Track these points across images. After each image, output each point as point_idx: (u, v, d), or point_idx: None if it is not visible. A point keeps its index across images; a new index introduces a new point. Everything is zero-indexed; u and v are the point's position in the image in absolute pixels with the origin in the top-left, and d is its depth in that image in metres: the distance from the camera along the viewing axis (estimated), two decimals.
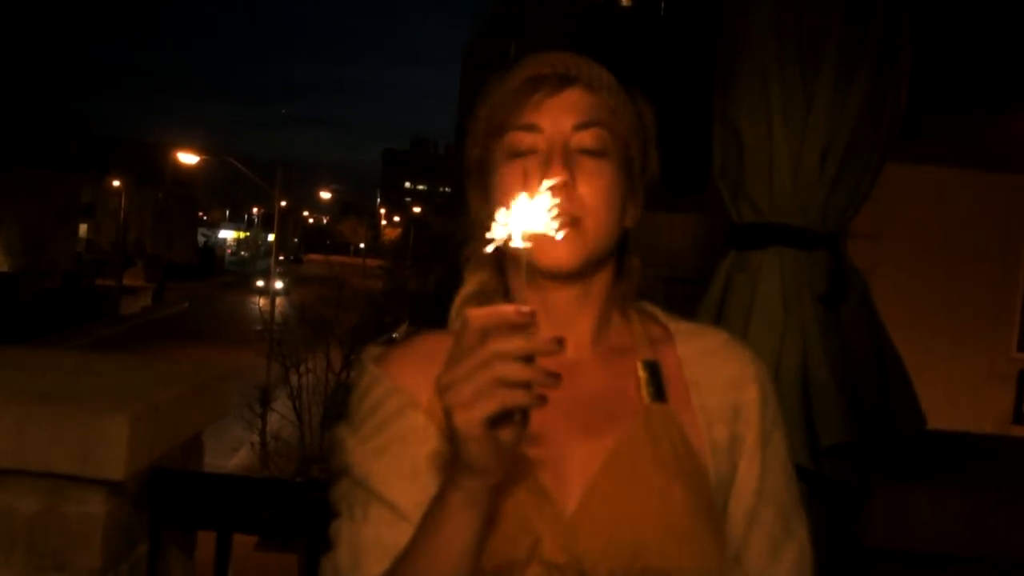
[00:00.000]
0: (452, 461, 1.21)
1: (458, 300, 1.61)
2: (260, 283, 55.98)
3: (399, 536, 1.32)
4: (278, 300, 41.37)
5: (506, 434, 1.15)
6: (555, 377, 1.12)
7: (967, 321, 12.40)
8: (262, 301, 33.66)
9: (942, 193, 12.13)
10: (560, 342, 1.13)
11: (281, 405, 22.71)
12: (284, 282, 50.15)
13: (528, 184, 1.35)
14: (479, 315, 1.13)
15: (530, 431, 1.20)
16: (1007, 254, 12.81)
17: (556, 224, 1.19)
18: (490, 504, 1.24)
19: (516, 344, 1.11)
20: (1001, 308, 12.90)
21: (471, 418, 1.11)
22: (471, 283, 1.60)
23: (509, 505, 1.33)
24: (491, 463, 1.17)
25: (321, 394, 22.39)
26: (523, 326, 1.12)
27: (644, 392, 1.47)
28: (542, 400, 1.12)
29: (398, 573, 1.30)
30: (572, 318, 1.48)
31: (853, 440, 2.57)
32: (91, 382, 2.41)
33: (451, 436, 1.17)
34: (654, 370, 1.49)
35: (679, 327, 1.58)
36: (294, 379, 22.80)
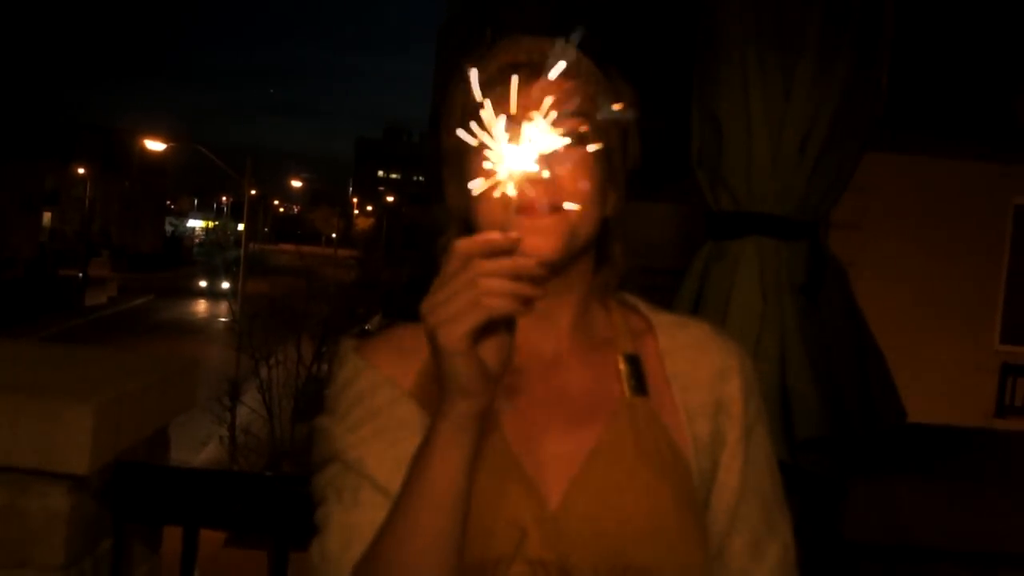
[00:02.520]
0: (440, 393, 1.22)
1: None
2: (203, 283, 52.35)
3: None
4: (225, 304, 40.58)
5: (490, 354, 1.18)
6: (541, 288, 1.16)
7: (950, 313, 12.47)
8: (203, 306, 33.27)
9: (924, 183, 12.19)
10: (543, 266, 1.17)
11: (251, 398, 22.61)
12: (231, 281, 47.79)
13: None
14: (465, 241, 1.16)
15: (510, 423, 1.23)
16: (990, 244, 12.90)
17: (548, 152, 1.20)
18: (479, 438, 1.24)
19: (500, 264, 1.14)
20: (984, 299, 12.97)
21: (455, 331, 1.14)
22: None
23: (493, 497, 1.33)
24: (478, 383, 1.19)
25: (292, 387, 22.31)
26: (508, 251, 1.15)
27: (625, 386, 1.47)
28: (528, 306, 1.16)
29: (388, 525, 1.29)
30: (551, 309, 1.47)
31: (830, 433, 2.59)
32: (53, 373, 2.40)
33: (437, 359, 1.18)
34: (635, 363, 1.49)
35: (661, 319, 1.58)
36: (264, 372, 22.70)
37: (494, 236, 1.16)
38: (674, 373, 1.50)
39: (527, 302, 1.15)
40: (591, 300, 1.54)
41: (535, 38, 1.48)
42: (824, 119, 2.67)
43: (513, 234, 1.16)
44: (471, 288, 1.14)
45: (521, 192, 1.20)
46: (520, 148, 1.19)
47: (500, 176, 1.20)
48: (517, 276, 1.14)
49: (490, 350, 1.18)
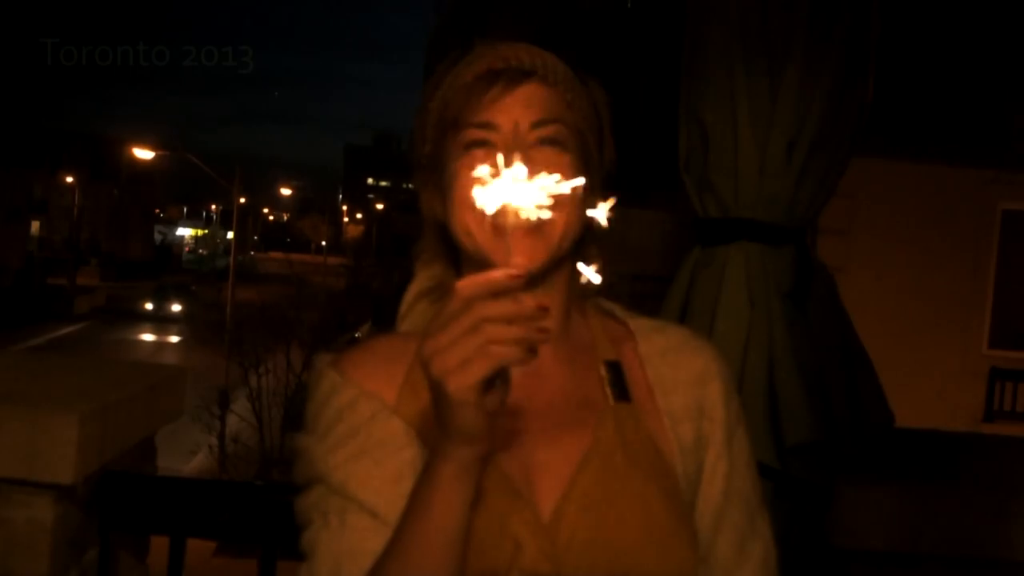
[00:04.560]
0: (440, 433, 1.19)
1: (409, 296, 1.61)
2: (149, 305, 45.77)
3: (381, 542, 1.30)
4: (174, 336, 39.16)
5: (491, 399, 1.15)
6: (545, 332, 1.12)
7: (938, 318, 12.51)
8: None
9: (912, 188, 12.23)
10: (544, 309, 1.13)
11: (240, 407, 22.55)
12: (182, 304, 43.33)
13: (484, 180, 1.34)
14: (468, 283, 1.12)
15: (497, 436, 1.21)
16: (978, 249, 12.94)
17: (541, 206, 1.19)
18: (479, 477, 1.23)
19: (504, 307, 1.10)
20: (972, 304, 13.01)
21: (465, 383, 1.10)
22: (423, 279, 1.60)
23: (486, 511, 1.31)
24: (484, 429, 1.16)
25: (281, 395, 22.24)
26: (512, 290, 1.12)
27: (608, 393, 1.47)
28: (532, 354, 1.12)
29: (388, 561, 1.27)
30: None
31: (820, 439, 2.58)
32: (39, 382, 2.39)
33: (440, 405, 1.15)
34: (616, 370, 1.49)
35: (639, 324, 1.58)
36: (253, 380, 22.63)
37: (496, 276, 1.12)
38: (655, 378, 1.50)
39: (532, 348, 1.12)
40: (571, 306, 1.54)
41: (511, 44, 1.48)
42: (811, 125, 2.67)
43: (513, 271, 1.13)
44: (476, 334, 1.10)
45: (508, 223, 1.19)
46: (514, 184, 1.18)
47: (489, 208, 1.19)
48: (522, 320, 1.11)
49: (491, 394, 1.15)
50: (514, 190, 1.18)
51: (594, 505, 1.36)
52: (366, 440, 1.40)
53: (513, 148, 1.36)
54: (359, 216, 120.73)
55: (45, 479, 2.08)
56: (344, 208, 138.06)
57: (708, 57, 2.76)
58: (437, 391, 1.14)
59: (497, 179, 1.18)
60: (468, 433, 1.17)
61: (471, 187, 1.24)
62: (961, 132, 11.24)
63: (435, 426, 1.20)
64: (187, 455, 20.85)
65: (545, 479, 1.38)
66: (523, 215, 1.18)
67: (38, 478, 2.08)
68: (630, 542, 1.34)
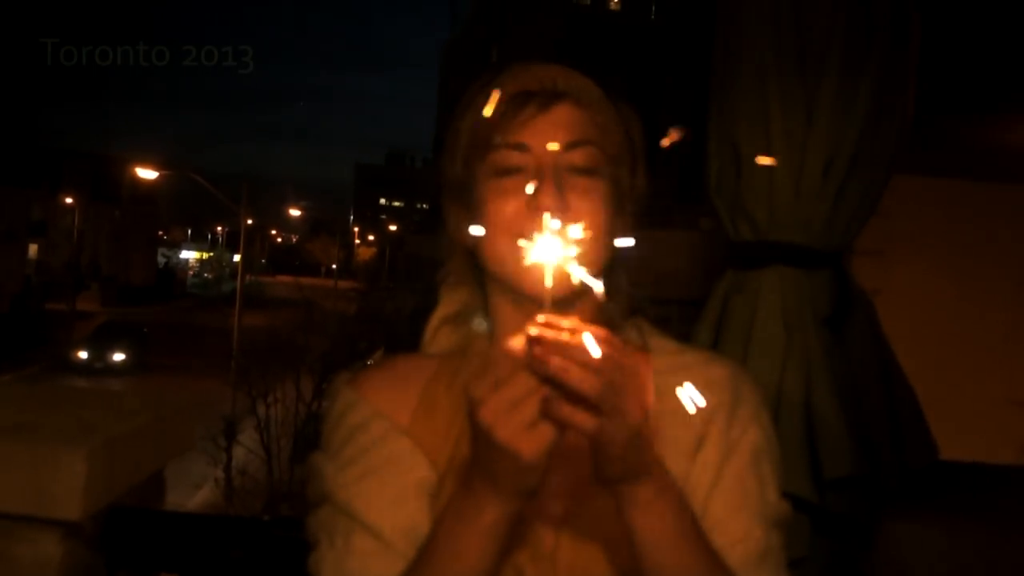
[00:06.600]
0: (488, 485, 1.23)
1: (435, 321, 1.65)
2: (83, 354, 37.34)
3: (384, 564, 1.36)
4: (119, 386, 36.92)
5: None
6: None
7: (981, 343, 12.43)
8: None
9: (953, 207, 12.19)
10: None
11: (248, 438, 22.51)
12: (127, 352, 37.89)
13: (517, 204, 1.40)
14: (514, 342, 1.17)
15: None
16: (1021, 270, 12.87)
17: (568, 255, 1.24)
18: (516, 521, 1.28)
19: (558, 364, 1.14)
20: (1016, 328, 12.95)
21: (539, 447, 1.16)
22: (449, 304, 1.65)
23: None
24: (537, 484, 1.22)
25: (291, 425, 22.20)
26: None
27: None
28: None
29: None
30: None
31: (859, 472, 2.57)
32: (44, 416, 2.40)
33: (502, 468, 1.19)
34: None
35: (659, 344, 1.60)
36: (261, 410, 22.59)
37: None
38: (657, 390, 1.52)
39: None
40: None
41: (545, 65, 1.51)
42: (848, 143, 2.66)
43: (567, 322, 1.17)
44: (538, 394, 1.14)
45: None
46: (554, 241, 1.23)
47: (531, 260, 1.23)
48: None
49: None
50: (557, 251, 1.23)
51: (592, 529, 1.40)
52: (375, 460, 1.45)
53: (545, 173, 1.39)
54: (371, 238, 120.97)
55: (52, 515, 2.10)
56: (355, 230, 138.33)
57: (739, 72, 2.76)
58: (504, 456, 1.17)
59: (540, 237, 1.23)
60: (526, 491, 1.22)
61: (504, 213, 1.34)
62: (1003, 147, 11.20)
63: (479, 476, 1.24)
64: (191, 488, 20.85)
65: (549, 506, 1.42)
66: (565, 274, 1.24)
67: (45, 514, 2.10)
68: (627, 567, 1.36)
